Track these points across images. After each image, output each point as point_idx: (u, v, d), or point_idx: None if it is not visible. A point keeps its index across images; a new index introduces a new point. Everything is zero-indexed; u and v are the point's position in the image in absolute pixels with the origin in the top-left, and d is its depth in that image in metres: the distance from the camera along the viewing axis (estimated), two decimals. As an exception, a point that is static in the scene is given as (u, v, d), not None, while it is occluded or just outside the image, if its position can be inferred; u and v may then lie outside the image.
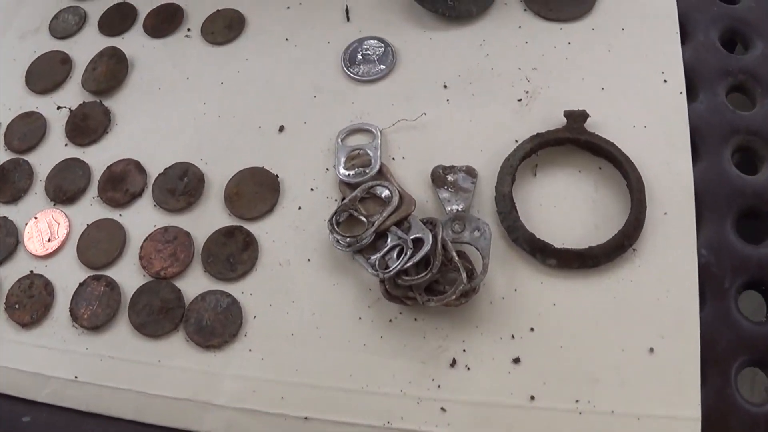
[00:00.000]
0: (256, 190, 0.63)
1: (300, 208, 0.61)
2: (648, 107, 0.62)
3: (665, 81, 0.63)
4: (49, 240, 0.64)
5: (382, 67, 0.65)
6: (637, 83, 0.63)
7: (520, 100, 0.63)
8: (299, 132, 0.64)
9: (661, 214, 0.57)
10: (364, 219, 0.59)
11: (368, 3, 0.70)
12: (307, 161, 0.62)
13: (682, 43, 0.65)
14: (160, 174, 0.64)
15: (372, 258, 0.57)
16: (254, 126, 0.65)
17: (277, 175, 0.62)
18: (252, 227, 0.61)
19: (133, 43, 0.72)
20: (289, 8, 0.71)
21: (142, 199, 0.64)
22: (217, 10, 0.72)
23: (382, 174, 0.61)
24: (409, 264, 0.56)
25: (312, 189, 0.61)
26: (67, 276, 0.62)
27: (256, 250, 0.60)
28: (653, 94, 0.62)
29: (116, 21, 0.74)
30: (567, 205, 0.59)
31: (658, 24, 0.66)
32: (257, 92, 0.67)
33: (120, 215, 0.63)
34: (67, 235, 0.64)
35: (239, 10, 0.71)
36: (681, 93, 0.62)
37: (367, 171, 0.61)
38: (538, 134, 0.61)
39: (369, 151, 0.62)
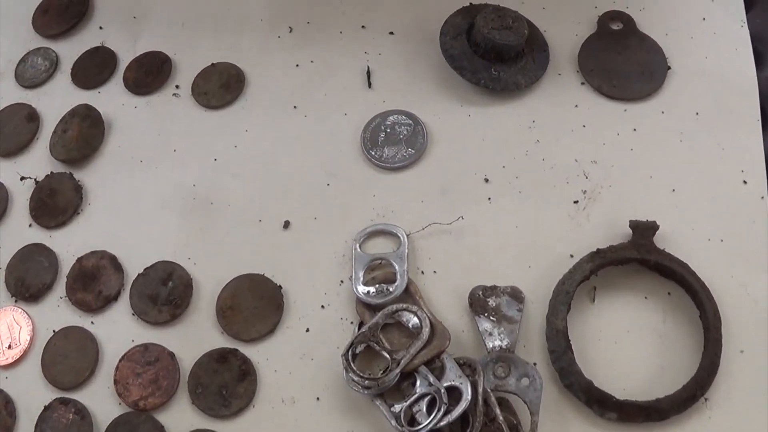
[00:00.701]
0: (255, 305, 0.51)
1: (308, 330, 0.49)
2: (724, 215, 0.50)
3: (744, 182, 0.51)
4: (9, 347, 0.53)
5: (411, 150, 0.53)
6: (713, 184, 0.51)
7: (576, 202, 0.51)
8: (308, 230, 0.52)
9: (737, 353, 0.46)
10: (386, 354, 0.48)
11: (395, 67, 0.58)
12: (317, 269, 0.51)
13: (764, 132, 0.54)
14: (139, 274, 0.52)
15: (396, 407, 0.47)
16: (254, 219, 0.53)
17: (280, 286, 0.50)
18: (250, 351, 0.49)
19: (111, 99, 0.59)
20: (299, 66, 0.58)
21: (118, 304, 0.52)
22: (212, 64, 0.59)
23: (409, 294, 0.50)
24: (442, 423, 0.46)
25: (323, 306, 0.50)
26: (31, 394, 0.50)
27: (255, 381, 0.49)
28: (731, 199, 0.51)
29: (92, 70, 0.60)
30: (630, 340, 0.47)
31: (736, 108, 0.54)
32: (258, 174, 0.54)
33: (92, 323, 0.51)
34: (31, 342, 0.52)
35: (238, 65, 0.59)
36: (762, 198, 0.51)
37: (391, 289, 0.49)
38: (598, 251, 0.49)
39: (394, 263, 0.50)
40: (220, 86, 0.58)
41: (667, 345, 0.47)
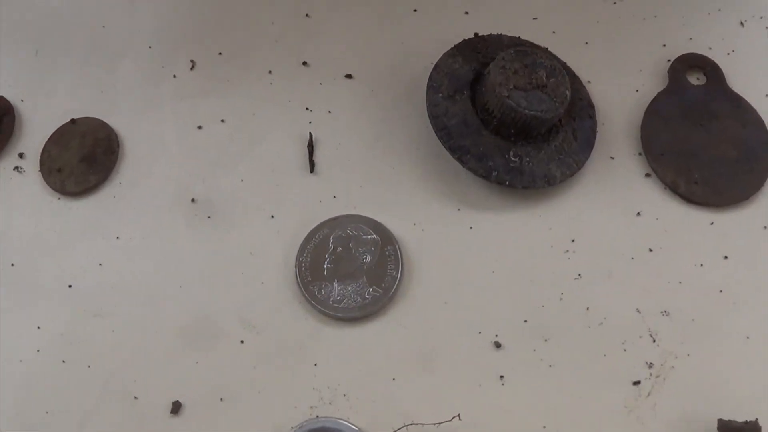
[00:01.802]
0: None
1: None
2: None
3: None
4: None
5: (376, 289, 0.32)
6: None
7: (637, 383, 0.31)
8: (209, 419, 0.31)
9: None
10: None
11: (353, 137, 0.35)
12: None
13: None
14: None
15: None
16: (127, 395, 0.32)
17: None
18: None
19: None
20: (202, 129, 0.36)
21: None
22: (71, 121, 0.36)
23: None
24: None
25: None
26: None
27: None
28: None
29: None
30: None
31: None
32: (133, 321, 0.33)
33: None
34: None
35: (110, 123, 0.36)
36: None
37: None
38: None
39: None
40: (82, 159, 0.35)
41: None
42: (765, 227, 0.34)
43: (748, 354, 0.32)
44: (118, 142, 0.36)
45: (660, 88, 0.37)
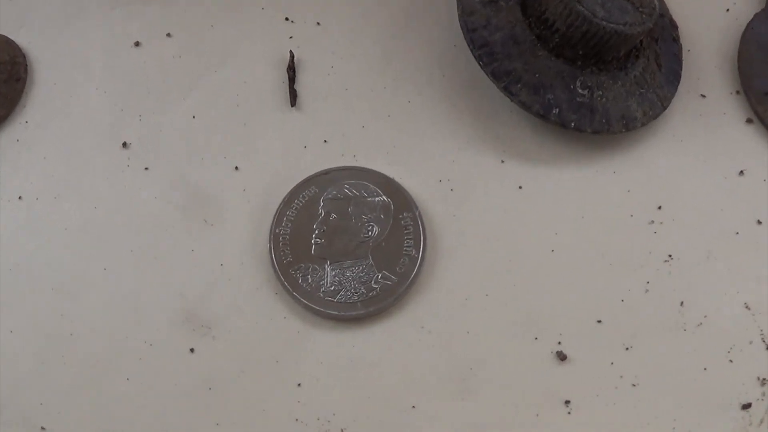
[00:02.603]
0: None
1: None
2: None
3: None
4: None
5: (385, 276, 0.22)
6: None
7: (748, 406, 0.22)
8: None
9: None
10: None
11: (353, 60, 0.25)
12: None
13: None
14: None
15: None
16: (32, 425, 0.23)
17: None
18: None
19: None
20: (140, 45, 0.25)
21: None
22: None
23: None
24: None
25: None
26: None
27: None
28: None
29: None
30: None
31: None
32: (33, 321, 0.22)
33: None
34: None
35: (18, 42, 0.25)
36: None
37: None
38: None
39: None
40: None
41: None
42: None
43: None
44: (26, 66, 0.26)
45: (756, 9, 0.27)
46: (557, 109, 0.23)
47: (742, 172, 0.26)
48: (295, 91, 0.24)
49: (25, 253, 0.23)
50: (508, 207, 0.23)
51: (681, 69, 0.26)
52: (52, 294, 0.23)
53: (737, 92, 0.27)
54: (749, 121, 0.26)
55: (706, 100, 0.26)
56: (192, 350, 0.22)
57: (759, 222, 0.25)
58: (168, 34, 0.25)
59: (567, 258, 0.23)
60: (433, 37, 0.25)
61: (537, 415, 0.22)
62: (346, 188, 0.23)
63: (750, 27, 0.28)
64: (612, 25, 0.23)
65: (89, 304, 0.22)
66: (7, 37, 0.26)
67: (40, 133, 0.24)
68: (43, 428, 0.22)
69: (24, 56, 0.25)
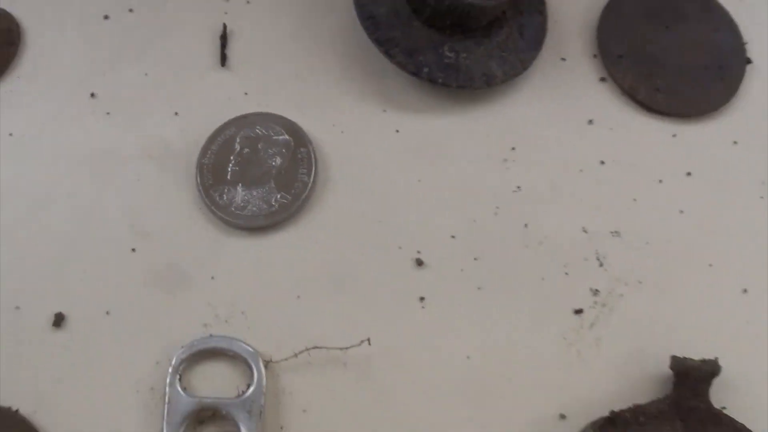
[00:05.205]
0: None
1: None
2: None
3: None
4: None
5: (285, 195, 0.26)
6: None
7: (579, 311, 0.26)
8: (93, 333, 0.25)
9: None
10: None
11: (269, 30, 0.29)
12: (102, 411, 0.24)
13: None
14: None
15: None
16: (8, 305, 0.26)
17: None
18: None
19: None
20: (109, 18, 0.29)
21: None
22: (-32, 6, 0.31)
23: (257, 481, 0.27)
24: None
25: (108, 481, 0.27)
26: None
27: None
28: None
29: None
30: None
31: None
32: (20, 225, 0.27)
33: None
34: None
35: (13, 13, 0.29)
36: None
37: None
38: (614, 418, 0.24)
39: (237, 418, 0.24)
40: (-20, 46, 0.31)
41: None
42: (735, 142, 0.29)
43: (710, 283, 0.26)
44: (19, 33, 0.30)
45: (621, -13, 0.31)
46: (427, 69, 0.27)
47: (591, 121, 0.29)
48: (225, 54, 0.29)
49: (11, 175, 0.27)
50: (386, 147, 0.27)
51: (544, 37, 0.29)
52: (27, 207, 0.27)
53: (594, 56, 0.30)
54: (603, 79, 0.29)
55: (566, 62, 0.29)
56: (133, 250, 0.26)
57: (602, 162, 0.28)
58: (130, 9, 0.30)
59: (431, 187, 0.27)
60: (336, 12, 0.29)
61: (396, 308, 0.26)
62: (258, 129, 0.27)
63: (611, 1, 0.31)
64: (470, 0, 0.26)
65: (58, 215, 0.27)
66: (5, 10, 0.31)
67: (28, 85, 0.29)
68: (17, 307, 0.27)
69: (18, 25, 0.30)
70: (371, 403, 0.24)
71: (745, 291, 0.26)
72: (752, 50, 0.29)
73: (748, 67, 0.29)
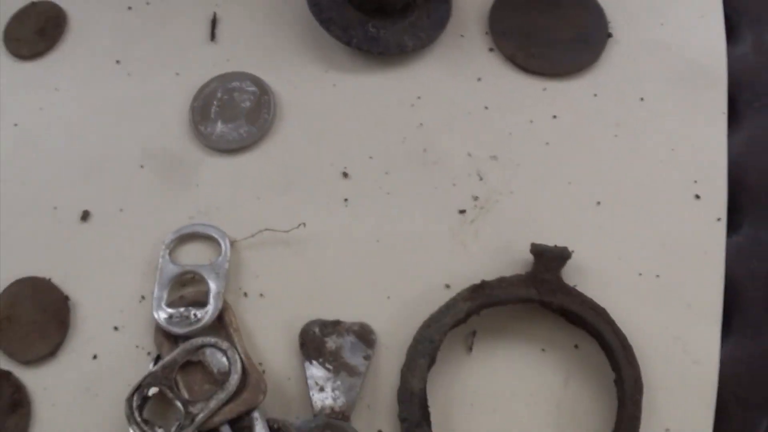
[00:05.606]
0: (35, 318, 0.34)
1: (95, 356, 0.33)
2: (666, 242, 0.33)
3: (697, 197, 0.34)
4: None
5: (252, 128, 0.36)
6: (654, 197, 0.34)
7: (463, 212, 0.34)
8: (111, 225, 0.35)
9: (662, 432, 0.32)
10: (180, 405, 0.32)
11: (248, 16, 0.39)
12: (116, 278, 0.34)
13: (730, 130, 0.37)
14: None
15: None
16: (48, 205, 0.36)
17: (67, 297, 0.34)
18: (26, 375, 0.33)
19: None
20: (132, 9, 0.40)
21: None
22: (32, 2, 0.41)
23: (222, 324, 0.33)
24: None
25: (116, 328, 0.33)
26: None
27: (28, 415, 0.33)
28: (676, 219, 0.34)
29: None
30: (516, 408, 0.31)
31: (697, 95, 0.36)
32: (60, 147, 0.37)
33: None
34: None
35: (61, 5, 0.40)
36: (719, 220, 0.34)
37: (199, 315, 0.33)
38: (483, 285, 0.32)
39: (208, 279, 0.33)
40: (36, 31, 0.40)
41: (566, 417, 0.31)
42: (595, 95, 0.37)
43: (568, 196, 0.35)
44: (66, 19, 0.41)
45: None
46: (356, 40, 0.37)
47: (479, 78, 0.37)
48: (214, 33, 0.39)
49: (57, 119, 0.37)
50: (326, 96, 0.37)
51: (448, 19, 0.38)
52: (66, 139, 0.36)
53: (486, 33, 0.39)
54: (491, 50, 0.38)
55: (464, 38, 0.39)
56: (142, 166, 0.36)
57: (486, 108, 0.37)
58: (147, 2, 0.40)
59: (358, 126, 0.37)
60: (295, 1, 0.39)
61: (327, 205, 0.35)
62: (234, 83, 0.38)
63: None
64: (384, -8, 0.36)
65: (89, 143, 0.36)
66: (54, 2, 0.40)
67: (71, 55, 0.39)
68: (55, 207, 0.35)
69: (64, 13, 0.41)
70: (306, 271, 0.34)
71: (598, 203, 0.35)
72: (613, 28, 0.38)
73: (609, 40, 0.38)
